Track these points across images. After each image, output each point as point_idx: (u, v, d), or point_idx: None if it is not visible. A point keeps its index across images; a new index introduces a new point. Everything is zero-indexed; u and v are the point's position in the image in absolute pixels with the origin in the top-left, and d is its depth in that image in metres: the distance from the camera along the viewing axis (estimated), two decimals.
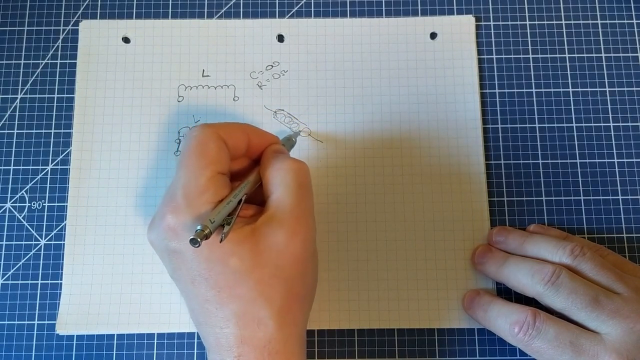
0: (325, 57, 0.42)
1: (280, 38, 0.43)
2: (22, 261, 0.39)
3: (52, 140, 0.41)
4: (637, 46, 0.43)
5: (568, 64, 0.42)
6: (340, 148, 0.41)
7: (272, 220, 0.31)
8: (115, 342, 0.38)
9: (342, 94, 0.42)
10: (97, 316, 0.38)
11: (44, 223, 0.40)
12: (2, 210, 0.40)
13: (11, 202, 0.40)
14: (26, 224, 0.40)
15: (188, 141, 0.32)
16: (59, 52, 0.43)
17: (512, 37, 0.43)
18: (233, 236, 0.30)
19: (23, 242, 0.40)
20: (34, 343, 0.38)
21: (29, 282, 0.39)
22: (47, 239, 0.40)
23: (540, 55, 0.43)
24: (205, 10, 0.43)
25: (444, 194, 0.40)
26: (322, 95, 0.42)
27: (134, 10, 0.43)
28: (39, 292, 0.39)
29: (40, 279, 0.39)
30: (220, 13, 0.43)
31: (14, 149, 0.41)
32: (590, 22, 0.43)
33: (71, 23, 0.43)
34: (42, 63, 0.42)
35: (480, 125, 0.41)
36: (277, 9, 0.43)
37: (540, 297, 0.34)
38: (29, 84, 0.42)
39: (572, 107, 0.42)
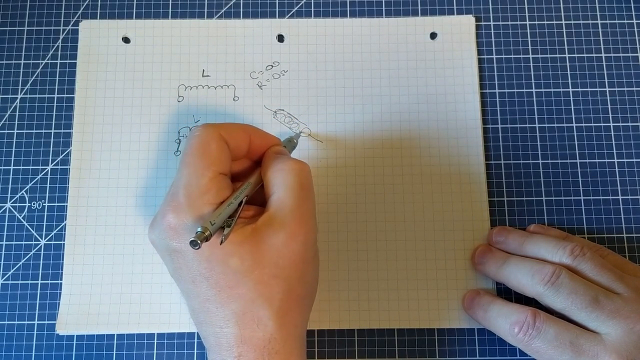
0: (325, 57, 0.42)
1: (280, 38, 0.43)
2: (22, 261, 0.39)
3: (52, 140, 0.41)
4: (637, 46, 0.43)
5: (568, 64, 0.42)
6: (340, 148, 0.41)
7: (272, 220, 0.31)
8: (115, 342, 0.38)
9: (342, 94, 0.42)
10: (97, 316, 0.38)
11: (44, 223, 0.40)
12: (2, 210, 0.40)
13: (11, 202, 0.40)
14: (26, 224, 0.40)
15: (190, 141, 0.32)
16: (59, 52, 0.43)
17: (512, 37, 0.43)
18: (234, 237, 0.30)
19: (23, 242, 0.40)
20: (34, 343, 0.38)
21: (29, 282, 0.39)
22: (47, 239, 0.40)
23: (540, 55, 0.43)
24: (205, 10, 0.43)
25: (444, 194, 0.40)
26: (322, 95, 0.42)
27: (134, 10, 0.43)
28: (39, 292, 0.39)
29: (40, 279, 0.39)
30: (220, 13, 0.43)
31: (14, 149, 0.41)
32: (590, 22, 0.43)
33: (71, 23, 0.43)
34: (42, 63, 0.42)
35: (480, 125, 0.41)
36: (277, 9, 0.43)
37: (540, 297, 0.34)
38: (29, 84, 0.42)
39: (572, 107, 0.42)
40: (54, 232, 0.40)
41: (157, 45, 0.42)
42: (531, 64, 0.42)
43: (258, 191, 0.33)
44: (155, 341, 0.38)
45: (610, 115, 0.42)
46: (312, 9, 0.43)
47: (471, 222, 0.40)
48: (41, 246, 0.40)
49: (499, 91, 0.42)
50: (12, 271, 0.39)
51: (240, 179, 0.34)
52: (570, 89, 0.42)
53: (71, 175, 0.40)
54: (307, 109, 0.41)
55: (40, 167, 0.41)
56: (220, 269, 0.30)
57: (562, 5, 0.43)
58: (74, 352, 0.38)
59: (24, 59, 0.42)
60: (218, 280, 0.30)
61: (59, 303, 0.39)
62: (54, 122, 0.41)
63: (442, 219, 0.40)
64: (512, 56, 0.43)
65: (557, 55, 0.43)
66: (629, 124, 0.41)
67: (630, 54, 0.43)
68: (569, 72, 0.42)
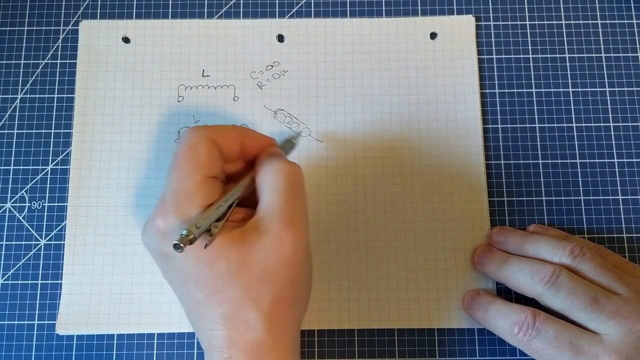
0: (325, 57, 0.42)
1: (280, 38, 0.43)
2: (22, 261, 0.39)
3: (52, 140, 0.41)
4: (637, 46, 0.43)
5: (568, 64, 0.42)
6: (340, 148, 0.41)
7: (260, 223, 0.30)
8: (115, 342, 0.38)
9: (342, 94, 0.42)
10: (97, 316, 0.38)
11: (44, 223, 0.40)
12: (2, 210, 0.40)
13: (11, 202, 0.40)
14: (26, 224, 0.40)
15: (179, 144, 0.32)
16: (59, 52, 0.43)
17: (512, 37, 0.43)
18: (221, 240, 0.30)
19: (23, 242, 0.40)
20: (34, 343, 0.38)
21: (29, 282, 0.39)
22: (47, 239, 0.40)
23: (540, 55, 0.43)
24: (205, 10, 0.43)
25: (444, 194, 0.40)
26: (322, 95, 0.42)
27: (134, 10, 0.43)
28: (39, 292, 0.39)
29: (40, 279, 0.39)
30: (220, 13, 0.43)
31: (14, 149, 0.41)
32: (590, 22, 0.43)
33: (71, 23, 0.43)
34: (42, 63, 0.42)
35: (480, 125, 0.41)
36: (277, 9, 0.43)
37: (540, 297, 0.34)
38: (29, 84, 0.42)
39: (572, 107, 0.42)
40: (54, 232, 0.40)
41: (157, 45, 0.42)
42: (531, 64, 0.42)
43: (253, 194, 0.33)
44: (155, 341, 0.38)
45: (610, 115, 0.42)
46: (312, 9, 0.43)
47: (471, 222, 0.40)
48: (41, 246, 0.40)
49: (499, 91, 0.42)
50: (12, 271, 0.39)
51: (235, 180, 0.34)
52: (570, 89, 0.42)
53: (71, 175, 0.40)
54: (307, 109, 0.41)
55: (40, 167, 0.41)
56: (208, 272, 0.30)
57: (562, 5, 0.43)
58: (74, 352, 0.38)
59: (24, 59, 0.42)
60: (206, 284, 0.30)
61: (59, 303, 0.39)
62: (54, 122, 0.41)
63: (442, 219, 0.40)
64: (512, 56, 0.43)
65: (557, 55, 0.43)
66: (629, 124, 0.41)
67: (630, 54, 0.43)
68: (569, 72, 0.42)
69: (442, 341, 0.38)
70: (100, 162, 0.40)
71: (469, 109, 0.41)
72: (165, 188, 0.31)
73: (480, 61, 0.42)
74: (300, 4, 0.43)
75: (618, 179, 0.41)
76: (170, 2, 0.43)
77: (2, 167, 0.41)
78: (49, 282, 0.39)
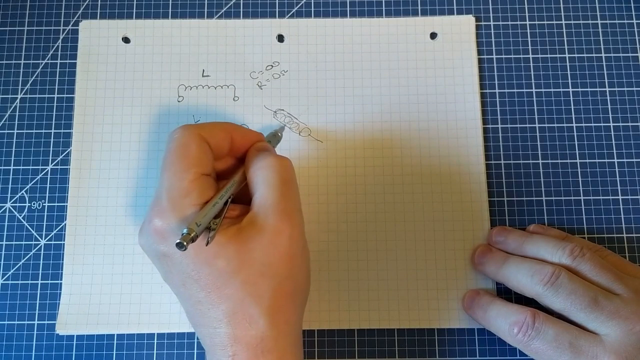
0: (325, 57, 0.42)
1: (280, 38, 0.43)
2: (22, 261, 0.39)
3: (52, 140, 0.41)
4: (637, 46, 0.43)
5: (568, 64, 0.42)
6: (340, 148, 0.41)
7: (256, 219, 0.31)
8: (115, 342, 0.38)
9: (342, 94, 0.42)
10: (97, 316, 0.38)
11: (44, 223, 0.40)
12: (2, 210, 0.40)
13: (11, 202, 0.40)
14: (26, 224, 0.40)
15: (170, 143, 0.32)
16: (59, 52, 0.43)
17: (512, 37, 0.43)
18: (219, 237, 0.30)
19: (23, 242, 0.40)
20: (34, 343, 0.38)
21: (29, 282, 0.39)
22: (47, 239, 0.40)
23: (540, 55, 0.42)
24: (205, 10, 0.43)
25: (444, 194, 0.40)
26: (322, 95, 0.42)
27: (134, 10, 0.43)
28: (39, 292, 0.39)
29: (40, 279, 0.39)
30: (220, 13, 0.43)
31: (14, 149, 0.41)
32: (590, 22, 0.43)
33: (71, 23, 0.43)
34: (42, 63, 0.42)
35: (480, 125, 0.41)
36: (277, 9, 0.43)
37: (540, 297, 0.34)
38: (29, 84, 0.42)
39: (572, 107, 0.42)
40: (54, 232, 0.40)
41: (157, 45, 0.42)
42: (531, 64, 0.42)
43: (244, 189, 0.33)
44: (155, 341, 0.38)
45: (610, 115, 0.42)
46: (312, 9, 0.43)
47: (471, 222, 0.40)
48: (41, 246, 0.40)
49: (499, 91, 0.42)
50: (12, 271, 0.39)
51: (226, 177, 0.34)
52: (570, 89, 0.42)
53: (71, 175, 0.40)
54: (307, 109, 0.41)
55: (40, 167, 0.41)
56: (208, 270, 0.30)
57: (562, 5, 0.43)
58: (74, 352, 0.38)
59: (24, 59, 0.42)
60: (207, 282, 0.30)
61: (59, 303, 0.39)
62: (54, 122, 0.41)
63: (442, 219, 0.40)
64: (512, 56, 0.43)
65: (557, 55, 0.43)
66: (629, 124, 0.41)
67: (630, 54, 0.43)
68: (569, 72, 0.42)
69: (442, 341, 0.38)
70: (100, 162, 0.40)
71: (469, 109, 0.41)
72: (159, 188, 0.31)
73: (480, 61, 0.42)
74: (300, 4, 0.43)
75: (618, 179, 0.41)
76: (170, 2, 0.43)
77: (2, 167, 0.41)
78: (49, 282, 0.39)
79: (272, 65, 0.42)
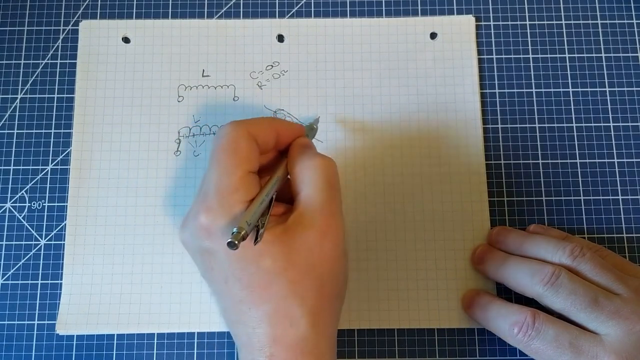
0: (325, 57, 0.42)
1: (280, 38, 0.43)
2: (22, 261, 0.39)
3: (52, 140, 0.41)
4: (637, 46, 0.43)
5: (568, 64, 0.42)
6: (340, 148, 0.41)
7: (302, 219, 0.31)
8: (115, 342, 0.38)
9: (342, 94, 0.42)
10: (97, 316, 0.38)
11: (44, 223, 0.40)
12: (2, 210, 0.40)
13: (11, 202, 0.40)
14: (26, 224, 0.40)
15: (219, 139, 0.31)
16: (59, 52, 0.43)
17: (512, 37, 0.43)
18: (265, 236, 0.30)
19: (23, 242, 0.40)
20: (34, 343, 0.38)
21: (29, 282, 0.39)
22: (47, 239, 0.40)
23: (540, 55, 0.42)
24: (205, 10, 0.43)
25: (444, 194, 0.40)
26: (322, 95, 0.42)
27: (134, 10, 0.43)
28: (39, 292, 0.39)
29: (40, 279, 0.39)
30: (220, 13, 0.43)
31: (14, 149, 0.41)
32: (590, 22, 0.43)
33: (71, 23, 0.43)
34: (42, 63, 0.42)
35: (480, 125, 0.41)
36: (277, 9, 0.43)
37: (540, 297, 0.34)
38: (29, 84, 0.42)
39: (572, 107, 0.42)
40: (54, 232, 0.40)
41: (157, 45, 0.42)
42: (531, 64, 0.42)
43: (285, 186, 0.33)
44: (155, 341, 0.38)
45: (610, 115, 0.42)
46: (312, 9, 0.43)
47: (471, 222, 0.40)
48: (41, 246, 0.40)
49: (499, 91, 0.42)
50: (12, 271, 0.39)
51: (265, 171, 0.34)
52: (570, 89, 0.42)
53: (71, 175, 0.40)
54: (307, 109, 0.41)
55: (40, 167, 0.41)
56: (253, 269, 0.30)
57: (562, 5, 0.43)
58: (74, 352, 0.38)
59: (24, 59, 0.42)
60: (250, 281, 0.30)
61: (59, 303, 0.39)
62: (54, 122, 0.41)
63: (442, 219, 0.40)
64: (512, 56, 0.43)
65: (557, 55, 0.43)
66: (629, 124, 0.41)
67: (630, 54, 0.43)
68: (569, 72, 0.42)
69: (442, 341, 0.38)
70: (100, 162, 0.40)
71: (469, 109, 0.41)
72: (207, 184, 0.31)
73: (480, 61, 0.42)
74: (300, 4, 0.43)
75: (618, 179, 0.41)
76: (170, 2, 0.43)
77: (2, 167, 0.41)
78: (49, 282, 0.39)
79: (272, 65, 0.42)
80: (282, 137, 0.34)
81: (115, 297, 0.39)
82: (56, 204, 0.40)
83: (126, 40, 0.43)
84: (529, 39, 0.43)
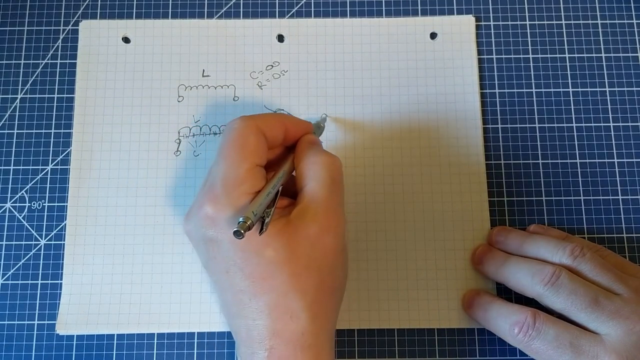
0: (325, 57, 0.42)
1: (280, 38, 0.43)
2: (22, 261, 0.39)
3: (52, 140, 0.41)
4: (637, 46, 0.43)
5: (568, 64, 0.42)
6: (340, 148, 0.41)
7: (306, 212, 0.31)
8: (115, 342, 0.38)
9: (342, 94, 0.42)
10: (97, 316, 0.38)
11: (44, 223, 0.40)
12: (2, 210, 0.40)
13: (11, 202, 0.40)
14: (26, 224, 0.40)
15: (228, 133, 0.32)
16: (59, 52, 0.42)
17: (512, 37, 0.43)
18: (269, 227, 0.30)
19: (23, 242, 0.40)
20: (34, 343, 0.38)
21: (29, 282, 0.39)
22: (47, 239, 0.40)
23: (540, 55, 0.43)
24: (205, 10, 0.43)
25: (444, 194, 0.40)
26: (322, 95, 0.42)
27: (134, 10, 0.43)
28: (39, 292, 0.39)
29: (40, 279, 0.39)
30: (220, 13, 0.43)
31: (14, 149, 0.41)
32: (590, 22, 0.43)
33: (71, 23, 0.43)
34: (42, 63, 0.42)
35: (480, 125, 0.41)
36: (277, 9, 0.43)
37: (540, 297, 0.34)
38: (29, 84, 0.42)
39: (572, 107, 0.42)
40: (54, 232, 0.40)
41: (157, 45, 0.42)
42: (531, 64, 0.42)
43: (289, 181, 0.34)
44: (155, 341, 0.38)
45: (610, 115, 0.42)
46: (312, 9, 0.43)
47: (471, 222, 0.40)
48: (41, 246, 0.40)
49: (499, 91, 0.42)
50: (12, 271, 0.39)
51: (272, 166, 0.34)
52: (570, 89, 0.42)
53: (71, 175, 0.40)
54: (307, 109, 0.41)
55: (40, 167, 0.41)
56: (256, 259, 0.30)
57: (562, 5, 0.43)
58: (74, 352, 0.38)
59: (24, 59, 0.42)
60: (252, 271, 0.30)
61: (59, 303, 0.39)
62: (54, 122, 0.41)
63: (442, 219, 0.40)
64: (512, 56, 0.43)
65: (557, 55, 0.43)
66: (629, 124, 0.41)
67: (630, 54, 0.43)
68: (569, 72, 0.42)
69: (442, 341, 0.38)
70: (100, 162, 0.40)
71: (469, 109, 0.41)
72: (213, 176, 0.31)
73: (480, 61, 0.42)
74: (300, 4, 0.43)
75: (618, 179, 0.41)
76: (170, 2, 0.43)
77: (2, 167, 0.41)
78: (49, 282, 0.39)
79: (272, 65, 0.42)
80: (290, 133, 0.34)
81: (115, 297, 0.39)
82: (56, 204, 0.40)
83: (126, 40, 0.43)
84: (529, 39, 0.43)
